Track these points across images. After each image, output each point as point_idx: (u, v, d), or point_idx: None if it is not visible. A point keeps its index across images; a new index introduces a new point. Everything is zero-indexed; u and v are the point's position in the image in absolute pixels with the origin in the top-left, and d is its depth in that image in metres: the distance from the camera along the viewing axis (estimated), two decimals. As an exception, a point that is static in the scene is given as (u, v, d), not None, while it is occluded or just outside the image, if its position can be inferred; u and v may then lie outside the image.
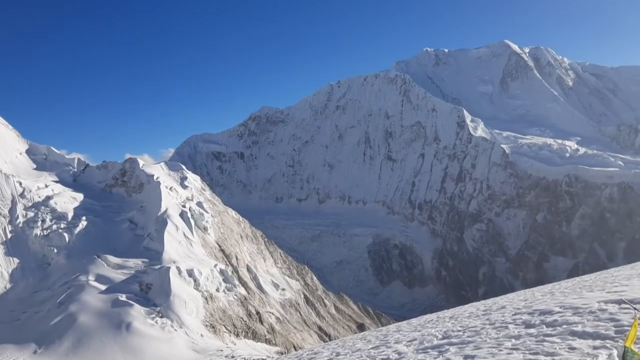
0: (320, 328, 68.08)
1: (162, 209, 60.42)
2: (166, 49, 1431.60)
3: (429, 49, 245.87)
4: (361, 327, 73.77)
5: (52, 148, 76.00)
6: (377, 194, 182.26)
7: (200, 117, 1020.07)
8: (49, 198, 59.63)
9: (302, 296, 73.41)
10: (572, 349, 6.73)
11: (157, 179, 66.42)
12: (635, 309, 7.40)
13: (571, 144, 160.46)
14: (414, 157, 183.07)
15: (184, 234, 59.29)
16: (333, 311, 79.18)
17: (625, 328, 6.88)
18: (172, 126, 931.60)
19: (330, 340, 56.67)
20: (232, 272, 58.96)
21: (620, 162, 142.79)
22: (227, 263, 62.04)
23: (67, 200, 61.51)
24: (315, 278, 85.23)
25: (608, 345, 6.51)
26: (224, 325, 47.84)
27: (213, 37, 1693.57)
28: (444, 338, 9.89)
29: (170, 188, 66.95)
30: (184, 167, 77.87)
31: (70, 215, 58.22)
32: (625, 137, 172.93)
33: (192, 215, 63.08)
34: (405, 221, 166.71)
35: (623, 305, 8.17)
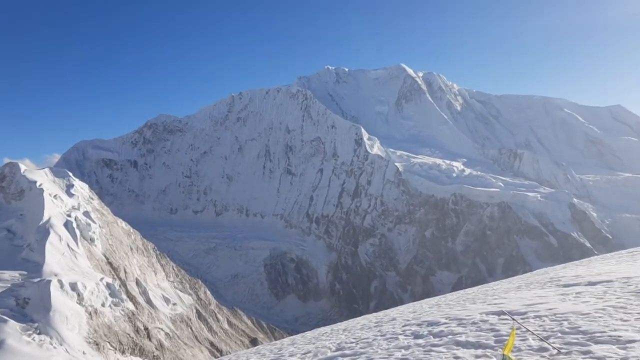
0: (212, 344, 66.40)
1: (45, 218, 56.03)
2: (57, 47, 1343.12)
3: (330, 67, 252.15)
4: (254, 342, 72.93)
5: None
6: (276, 207, 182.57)
7: (90, 122, 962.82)
8: None
9: (194, 311, 71.26)
10: (456, 358, 7.05)
11: (40, 185, 61.59)
12: (514, 319, 7.92)
13: (458, 165, 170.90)
14: (312, 172, 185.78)
15: (68, 245, 55.32)
16: (226, 326, 77.59)
17: (504, 337, 7.31)
18: (59, 130, 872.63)
19: (221, 356, 55.40)
20: (120, 286, 55.91)
21: (501, 184, 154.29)
22: (115, 276, 58.74)
23: None
24: (208, 292, 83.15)
25: (489, 354, 6.88)
26: (109, 342, 45.08)
27: (109, 37, 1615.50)
28: (337, 350, 9.98)
29: (55, 196, 62.33)
30: (70, 174, 72.87)
31: None
32: (505, 160, 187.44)
33: (77, 225, 59.05)
34: (302, 235, 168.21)
35: (502, 317, 8.70)
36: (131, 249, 70.34)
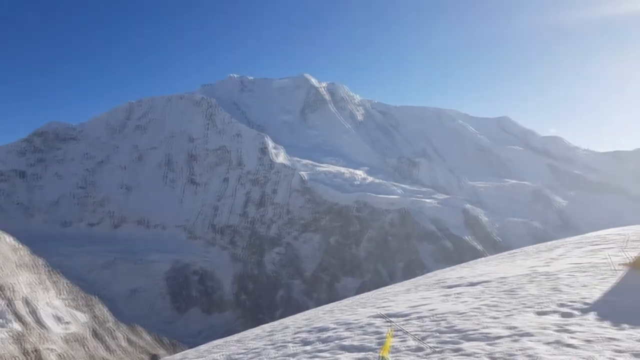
0: (108, 363, 62.99)
1: None
2: None
3: (234, 75, 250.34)
4: (154, 359, 70.07)
5: None
6: (178, 218, 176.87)
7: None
8: None
9: (90, 329, 67.23)
10: (339, 362, 7.12)
11: None
12: (391, 322, 8.13)
13: (360, 173, 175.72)
14: (217, 181, 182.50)
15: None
16: (124, 343, 73.89)
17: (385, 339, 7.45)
18: None
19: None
20: (6, 305, 51.59)
21: (401, 191, 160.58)
22: (1, 296, 54.08)
23: None
24: (105, 309, 78.80)
25: (370, 356, 7.00)
26: (-11, 369, 41.32)
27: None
28: (226, 362, 9.75)
29: None
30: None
31: None
32: (405, 168, 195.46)
33: (-48, 241, 53.80)
34: (206, 246, 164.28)
35: (389, 319, 8.90)
36: (18, 266, 65.12)
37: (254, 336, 12.49)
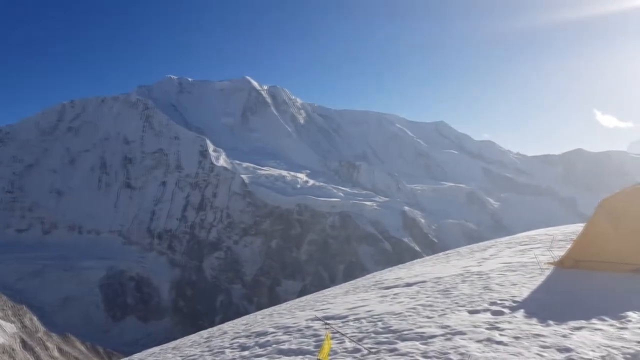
0: (37, 376, 59.93)
1: None
2: None
3: (172, 76, 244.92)
4: (88, 369, 67.36)
5: None
6: (113, 223, 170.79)
7: None
8: None
9: (18, 340, 63.61)
10: (277, 366, 7.04)
11: None
12: (328, 324, 8.14)
13: (302, 176, 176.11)
14: (154, 185, 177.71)
15: None
16: (56, 354, 70.45)
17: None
18: None
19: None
20: None
21: (341, 194, 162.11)
22: None
23: None
24: (35, 319, 74.83)
25: (307, 359, 6.97)
26: None
27: None
28: (161, 371, 9.46)
29: None
30: None
31: None
32: (345, 171, 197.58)
33: None
34: (143, 251, 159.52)
35: (326, 322, 8.90)
36: None
37: (191, 343, 12.19)
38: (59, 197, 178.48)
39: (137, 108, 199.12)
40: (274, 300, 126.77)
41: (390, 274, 15.39)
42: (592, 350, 5.27)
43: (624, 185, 11.69)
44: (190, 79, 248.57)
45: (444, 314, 7.74)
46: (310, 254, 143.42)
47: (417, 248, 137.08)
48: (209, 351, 9.72)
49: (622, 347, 5.32)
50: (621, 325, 6.11)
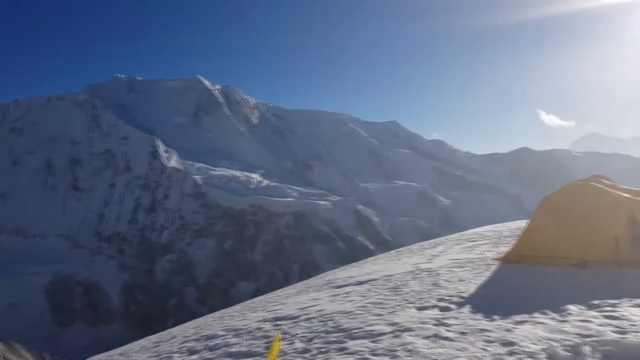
0: (-22, 388, 57.07)
1: None
2: None
3: (121, 76, 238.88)
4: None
5: None
6: (60, 226, 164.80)
7: None
8: None
9: (-45, 352, 60.59)
10: (225, 369, 6.93)
11: None
12: (278, 325, 8.07)
13: (256, 176, 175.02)
14: (103, 187, 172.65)
15: None
16: (-2, 365, 67.52)
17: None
18: None
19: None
20: None
21: (296, 194, 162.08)
22: None
23: None
24: (-26, 328, 71.49)
25: (256, 362, 6.89)
26: None
27: None
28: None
29: None
30: None
31: None
32: (299, 171, 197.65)
33: None
34: (91, 255, 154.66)
35: (276, 323, 8.82)
36: None
37: (139, 348, 11.87)
38: (3, 200, 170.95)
39: (85, 108, 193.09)
40: (228, 302, 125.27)
41: (342, 273, 15.44)
42: (534, 344, 5.40)
43: (567, 182, 12.11)
44: (140, 78, 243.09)
45: (394, 311, 7.80)
46: (265, 255, 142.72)
47: (371, 246, 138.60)
48: (156, 356, 9.47)
49: (563, 339, 5.48)
50: (562, 319, 6.30)
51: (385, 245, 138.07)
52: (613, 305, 6.73)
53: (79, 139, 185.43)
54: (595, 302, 6.94)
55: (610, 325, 5.85)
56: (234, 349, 7.83)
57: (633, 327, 5.69)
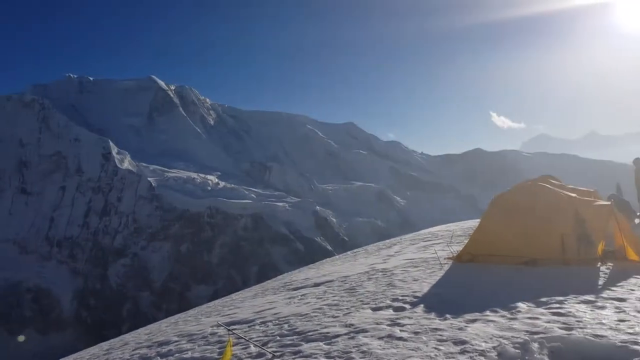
0: None
1: None
2: None
3: (72, 75, 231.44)
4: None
5: None
6: (7, 231, 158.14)
7: None
8: None
9: None
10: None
11: None
12: (232, 329, 7.97)
13: (212, 178, 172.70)
14: (53, 190, 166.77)
15: None
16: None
17: (232, 350, 7.28)
18: None
19: None
20: None
21: (253, 195, 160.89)
22: None
23: None
24: None
25: (209, 367, 6.79)
26: None
27: None
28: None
29: None
30: None
31: None
32: (257, 172, 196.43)
33: None
34: (41, 261, 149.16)
35: (231, 327, 8.71)
36: None
37: (89, 356, 11.55)
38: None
39: (33, 108, 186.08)
40: (185, 306, 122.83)
41: (299, 275, 15.43)
42: (485, 342, 5.51)
43: (518, 182, 12.45)
44: (91, 78, 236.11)
45: (349, 313, 7.82)
46: (222, 257, 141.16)
47: (329, 247, 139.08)
48: (107, 365, 9.22)
49: (512, 337, 5.61)
50: (511, 316, 6.46)
51: (343, 246, 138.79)
52: (560, 302, 6.95)
53: (27, 141, 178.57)
54: (544, 299, 7.15)
55: (557, 322, 6.04)
56: (187, 355, 7.70)
57: (579, 323, 5.88)
